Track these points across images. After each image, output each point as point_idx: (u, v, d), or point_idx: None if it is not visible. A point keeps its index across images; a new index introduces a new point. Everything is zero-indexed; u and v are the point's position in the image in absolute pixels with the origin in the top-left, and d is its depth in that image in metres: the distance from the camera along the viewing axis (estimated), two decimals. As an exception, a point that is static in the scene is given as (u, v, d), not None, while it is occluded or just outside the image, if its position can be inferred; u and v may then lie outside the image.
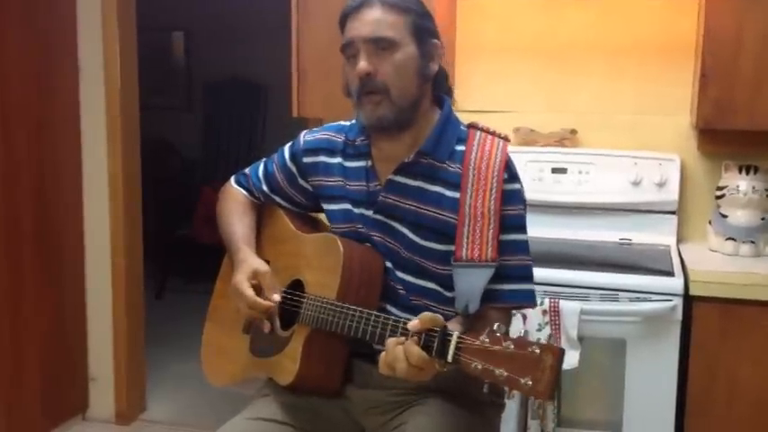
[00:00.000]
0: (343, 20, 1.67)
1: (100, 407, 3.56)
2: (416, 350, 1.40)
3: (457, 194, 1.64)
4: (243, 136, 6.24)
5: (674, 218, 2.81)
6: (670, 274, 2.40)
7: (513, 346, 1.32)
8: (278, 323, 1.76)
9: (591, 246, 2.78)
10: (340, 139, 1.80)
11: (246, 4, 5.94)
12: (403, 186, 1.69)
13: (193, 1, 6.10)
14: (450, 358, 1.38)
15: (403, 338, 1.44)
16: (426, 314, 1.43)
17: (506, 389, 1.32)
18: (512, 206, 1.64)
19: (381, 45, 1.61)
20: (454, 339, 1.38)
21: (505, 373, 1.31)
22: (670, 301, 2.32)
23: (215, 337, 1.96)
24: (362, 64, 1.61)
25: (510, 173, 1.65)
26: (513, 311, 1.78)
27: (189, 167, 6.19)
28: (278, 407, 1.72)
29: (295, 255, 1.80)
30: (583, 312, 2.34)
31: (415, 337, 1.42)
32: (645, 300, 2.34)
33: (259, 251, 1.84)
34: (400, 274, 1.69)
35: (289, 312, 1.75)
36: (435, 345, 1.40)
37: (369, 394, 1.70)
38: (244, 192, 1.95)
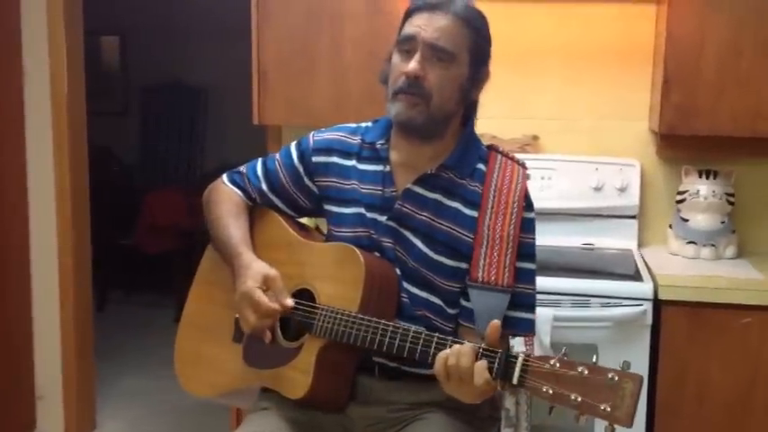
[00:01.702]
0: (412, 11, 1.62)
1: (48, 425, 3.42)
2: (485, 373, 1.39)
3: (475, 213, 1.63)
4: (183, 140, 6.12)
5: (635, 222, 2.84)
6: (639, 278, 2.43)
7: (587, 372, 1.31)
8: (280, 333, 1.69)
9: (555, 251, 2.78)
10: (355, 141, 1.75)
11: (184, 7, 5.84)
12: (421, 197, 1.66)
13: (128, 4, 5.95)
14: (515, 381, 1.37)
15: (477, 348, 1.42)
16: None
17: (577, 413, 1.31)
18: (528, 234, 1.66)
19: (439, 55, 1.58)
20: (520, 361, 1.37)
21: (579, 398, 1.31)
22: (640, 305, 2.34)
23: (195, 345, 1.86)
24: (414, 65, 1.57)
25: (528, 202, 1.67)
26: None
27: (127, 173, 6.04)
28: (280, 421, 1.65)
29: (299, 263, 1.73)
30: (555, 319, 2.33)
31: (485, 361, 1.40)
32: (616, 305, 2.36)
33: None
34: (405, 284, 1.66)
35: (289, 322, 1.69)
36: (496, 366, 1.39)
37: (369, 411, 1.66)
38: (238, 191, 1.84)
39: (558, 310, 2.35)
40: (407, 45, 1.60)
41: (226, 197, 1.84)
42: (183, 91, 6.07)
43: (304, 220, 1.92)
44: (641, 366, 2.35)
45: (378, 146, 1.71)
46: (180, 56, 5.97)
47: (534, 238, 1.68)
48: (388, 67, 1.65)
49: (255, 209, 1.85)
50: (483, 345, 1.43)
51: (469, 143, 1.69)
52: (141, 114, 6.24)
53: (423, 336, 1.51)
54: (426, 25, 1.58)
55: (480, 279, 1.59)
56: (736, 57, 2.47)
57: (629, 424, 1.29)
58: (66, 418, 3.41)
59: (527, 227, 1.65)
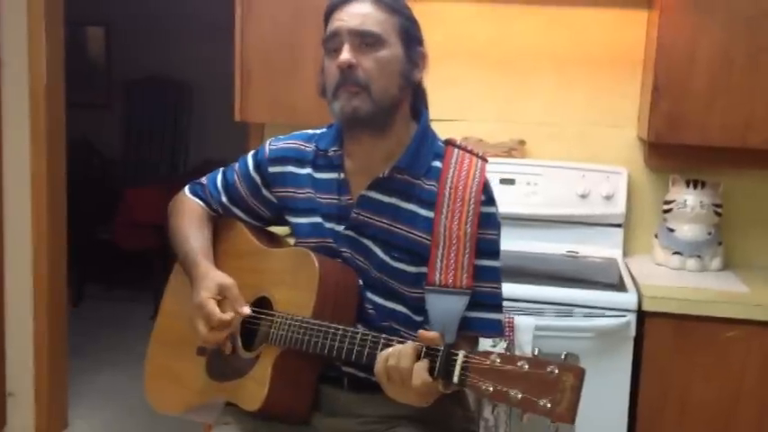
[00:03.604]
0: (329, 13, 1.58)
1: (18, 423, 3.34)
2: (424, 374, 1.33)
3: (431, 214, 1.57)
4: (166, 136, 6.04)
5: (621, 231, 2.80)
6: (623, 289, 2.39)
7: (527, 366, 1.24)
8: (240, 343, 1.64)
9: (539, 258, 2.74)
10: (309, 148, 1.70)
11: (171, 1, 5.76)
12: (376, 203, 1.60)
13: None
14: (456, 379, 1.30)
15: (419, 347, 1.36)
16: (436, 332, 1.38)
17: (519, 411, 1.25)
18: (487, 230, 1.58)
19: (367, 40, 1.53)
20: (460, 358, 1.31)
21: (520, 395, 1.23)
22: (624, 316, 2.30)
23: (163, 361, 1.81)
24: (345, 55, 1.52)
25: (487, 195, 1.59)
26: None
27: (108, 168, 5.96)
28: None
29: (259, 271, 1.68)
30: (537, 328, 2.29)
31: (426, 360, 1.34)
32: (599, 315, 2.31)
33: (216, 267, 1.71)
34: (369, 295, 1.61)
35: (251, 332, 1.64)
36: (438, 364, 1.32)
37: (336, 423, 1.60)
38: (200, 203, 1.81)
39: (540, 319, 2.31)
40: (334, 43, 1.56)
41: (187, 208, 1.80)
42: (168, 86, 5.99)
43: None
44: (623, 378, 2.32)
45: (330, 153, 1.65)
46: (165, 50, 5.90)
47: (497, 234, 1.61)
48: (322, 79, 1.60)
49: (220, 219, 1.81)
50: (425, 344, 1.38)
51: (423, 140, 1.62)
52: (124, 108, 6.16)
53: (369, 338, 1.46)
54: (346, 17, 1.55)
55: (437, 282, 1.52)
56: (727, 66, 2.44)
57: (571, 420, 1.22)
58: (36, 416, 3.34)
59: (486, 222, 1.57)
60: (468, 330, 1.56)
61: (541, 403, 1.22)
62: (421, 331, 1.39)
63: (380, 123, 1.57)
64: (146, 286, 5.08)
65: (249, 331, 1.64)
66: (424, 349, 1.36)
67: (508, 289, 2.30)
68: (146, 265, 5.10)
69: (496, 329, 1.62)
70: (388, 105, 1.55)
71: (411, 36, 1.60)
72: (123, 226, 5.11)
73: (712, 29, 2.44)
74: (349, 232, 1.61)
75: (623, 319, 2.29)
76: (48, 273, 3.28)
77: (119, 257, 5.30)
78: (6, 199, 3.24)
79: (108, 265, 5.47)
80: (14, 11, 3.13)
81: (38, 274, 3.27)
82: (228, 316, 1.57)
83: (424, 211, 1.58)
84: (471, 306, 1.54)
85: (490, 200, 1.60)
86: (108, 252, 5.27)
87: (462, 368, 1.31)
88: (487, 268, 1.58)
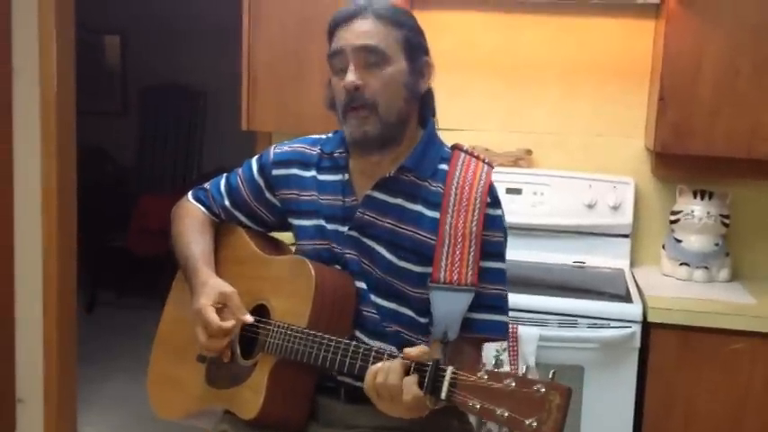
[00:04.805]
0: (333, 29, 1.60)
1: (28, 430, 3.35)
2: (414, 388, 1.33)
3: (437, 214, 1.57)
4: (180, 143, 6.08)
5: (628, 241, 2.79)
6: (628, 299, 2.38)
7: (514, 384, 1.25)
8: (238, 351, 1.65)
9: (546, 268, 2.73)
10: (314, 152, 1.72)
11: (186, 8, 5.81)
12: (382, 203, 1.61)
13: (130, 4, 5.93)
14: (443, 395, 1.31)
15: (408, 363, 1.37)
16: (422, 346, 1.39)
17: (506, 429, 1.25)
18: (493, 232, 1.59)
19: (371, 58, 1.54)
20: (448, 375, 1.31)
21: (506, 413, 1.23)
22: (629, 327, 2.29)
23: (164, 367, 1.83)
24: (351, 76, 1.54)
25: (493, 198, 1.60)
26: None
27: (122, 175, 6.01)
28: None
29: (258, 278, 1.69)
30: (541, 338, 2.28)
31: (415, 376, 1.34)
32: (603, 326, 2.30)
33: (216, 273, 1.72)
34: (373, 297, 1.61)
35: (249, 340, 1.64)
36: (426, 380, 1.33)
37: None
38: (202, 208, 1.82)
39: (544, 329, 2.30)
40: (339, 62, 1.58)
41: (189, 213, 1.81)
42: (182, 93, 6.03)
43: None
44: (628, 390, 2.30)
45: (336, 155, 1.68)
46: (180, 58, 5.94)
47: (502, 236, 1.61)
48: (330, 92, 1.62)
49: (222, 224, 1.83)
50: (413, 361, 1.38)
51: (429, 143, 1.64)
52: (139, 115, 6.20)
53: (362, 350, 1.46)
54: (350, 35, 1.56)
55: (441, 279, 1.53)
56: (733, 76, 2.42)
57: None
58: (45, 422, 3.34)
59: (491, 224, 1.58)
60: (473, 332, 1.57)
61: (527, 422, 1.22)
62: (406, 350, 1.39)
63: (389, 140, 1.59)
64: (158, 293, 5.10)
65: (248, 339, 1.65)
66: (414, 365, 1.37)
67: (512, 299, 2.28)
68: (158, 272, 5.13)
69: (501, 331, 1.62)
70: (395, 121, 1.57)
71: (415, 47, 1.61)
72: (137, 232, 5.14)
73: (718, 38, 2.43)
74: (353, 233, 1.62)
75: (628, 331, 2.28)
76: (58, 279, 3.29)
77: (132, 264, 5.33)
78: (17, 204, 3.25)
79: (121, 272, 5.50)
80: (25, 17, 3.14)
81: (48, 279, 3.28)
82: (228, 324, 1.58)
83: (429, 212, 1.59)
84: (476, 308, 1.55)
85: (496, 202, 1.61)
86: (121, 259, 5.30)
87: (450, 384, 1.31)
88: (493, 270, 1.59)
